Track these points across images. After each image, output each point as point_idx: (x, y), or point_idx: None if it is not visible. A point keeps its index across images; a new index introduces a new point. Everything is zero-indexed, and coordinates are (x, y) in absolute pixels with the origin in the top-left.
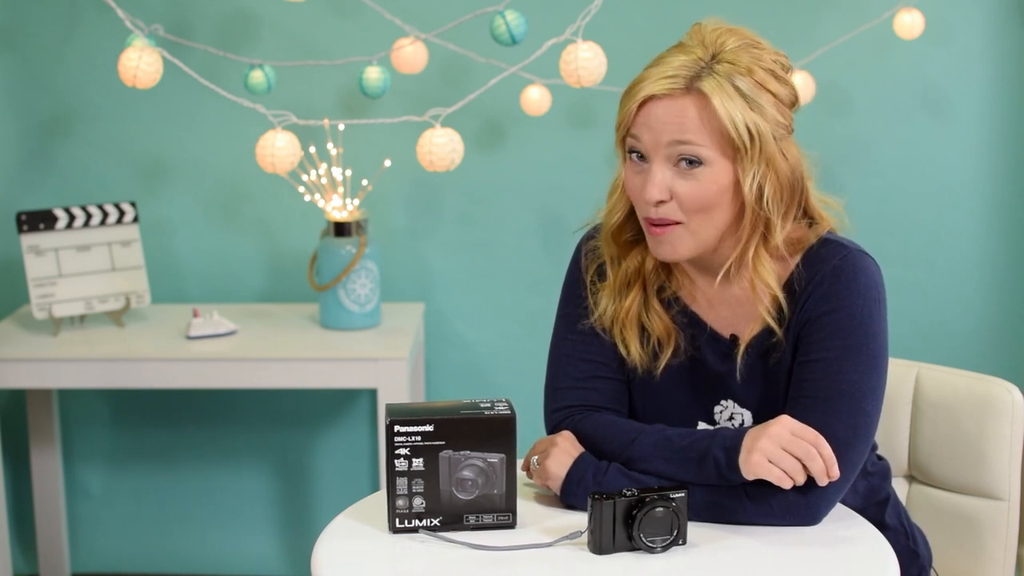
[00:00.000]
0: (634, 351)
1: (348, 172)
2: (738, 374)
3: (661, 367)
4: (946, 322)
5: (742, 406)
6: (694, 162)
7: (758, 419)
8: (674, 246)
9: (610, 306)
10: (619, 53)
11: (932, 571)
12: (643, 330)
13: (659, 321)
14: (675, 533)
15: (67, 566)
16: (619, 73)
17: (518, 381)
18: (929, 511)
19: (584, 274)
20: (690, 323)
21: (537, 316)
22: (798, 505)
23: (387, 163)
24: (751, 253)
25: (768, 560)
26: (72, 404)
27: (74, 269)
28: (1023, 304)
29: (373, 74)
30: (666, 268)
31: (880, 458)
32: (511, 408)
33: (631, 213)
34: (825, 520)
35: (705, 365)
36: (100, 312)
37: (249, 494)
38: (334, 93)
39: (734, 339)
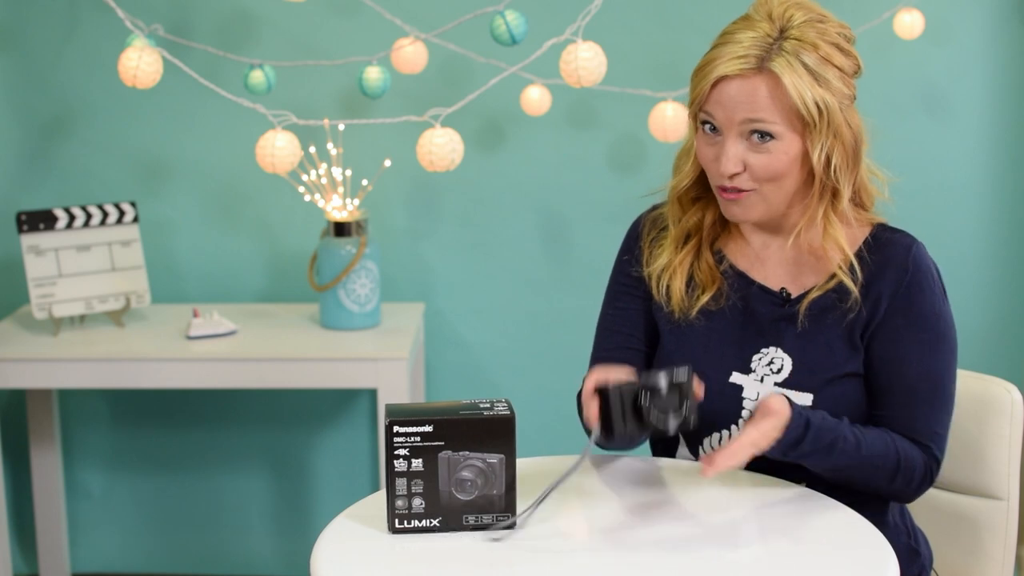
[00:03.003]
0: (676, 293)
1: (348, 172)
2: (799, 324)
3: (696, 309)
4: None
5: (786, 352)
6: (765, 136)
7: (798, 366)
8: (746, 210)
9: (665, 256)
10: (619, 53)
11: (932, 572)
12: (690, 280)
13: (707, 269)
14: (683, 407)
15: (67, 566)
16: (619, 73)
17: (518, 381)
18: (929, 511)
19: (642, 241)
20: (735, 278)
21: (537, 316)
22: (908, 493)
23: (387, 163)
24: (820, 216)
25: (768, 560)
26: (72, 404)
27: (74, 269)
28: (1023, 304)
29: (373, 74)
30: (722, 224)
31: None
32: (510, 408)
33: (699, 177)
34: (825, 520)
35: (754, 316)
36: (100, 312)
37: (249, 494)
38: (334, 93)
39: (784, 292)
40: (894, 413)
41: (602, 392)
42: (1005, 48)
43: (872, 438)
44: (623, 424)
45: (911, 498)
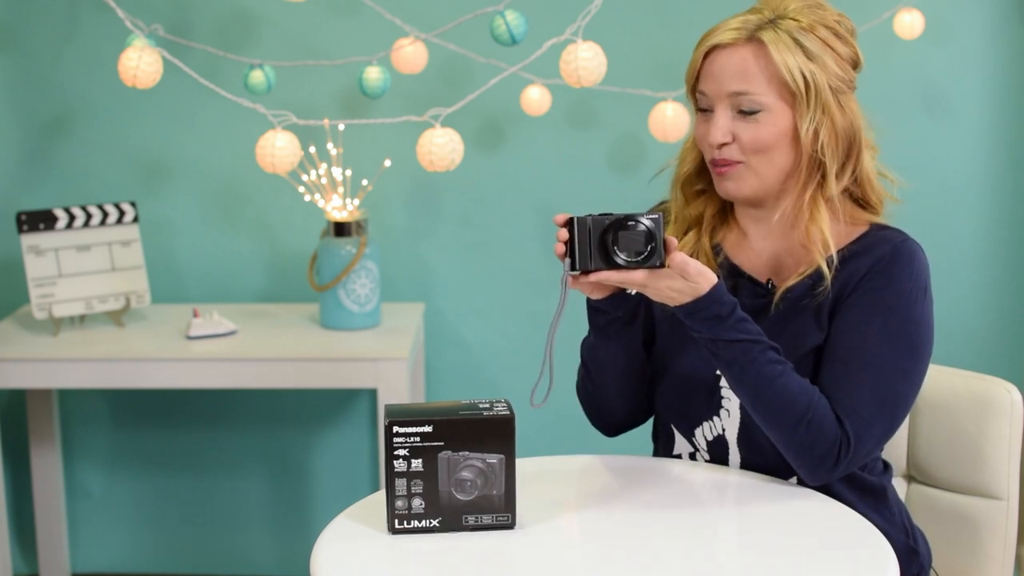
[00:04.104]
0: None
1: (348, 172)
2: (772, 310)
3: None
4: (946, 322)
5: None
6: (751, 107)
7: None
8: (737, 183)
9: None
10: (619, 53)
11: (932, 571)
12: None
13: (705, 260)
14: (650, 249)
15: (67, 566)
16: (619, 73)
17: (518, 381)
18: (928, 511)
19: None
20: (729, 272)
21: (537, 316)
22: (810, 458)
23: (387, 163)
24: (807, 197)
25: (767, 560)
26: (72, 404)
27: (74, 269)
28: (1023, 304)
29: (373, 74)
30: (722, 218)
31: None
32: (510, 409)
33: (702, 167)
34: (825, 520)
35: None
36: (100, 312)
37: (249, 494)
38: (334, 93)
39: (770, 282)
40: (823, 381)
41: (570, 222)
42: (1005, 48)
43: (795, 376)
44: (588, 258)
45: (815, 471)
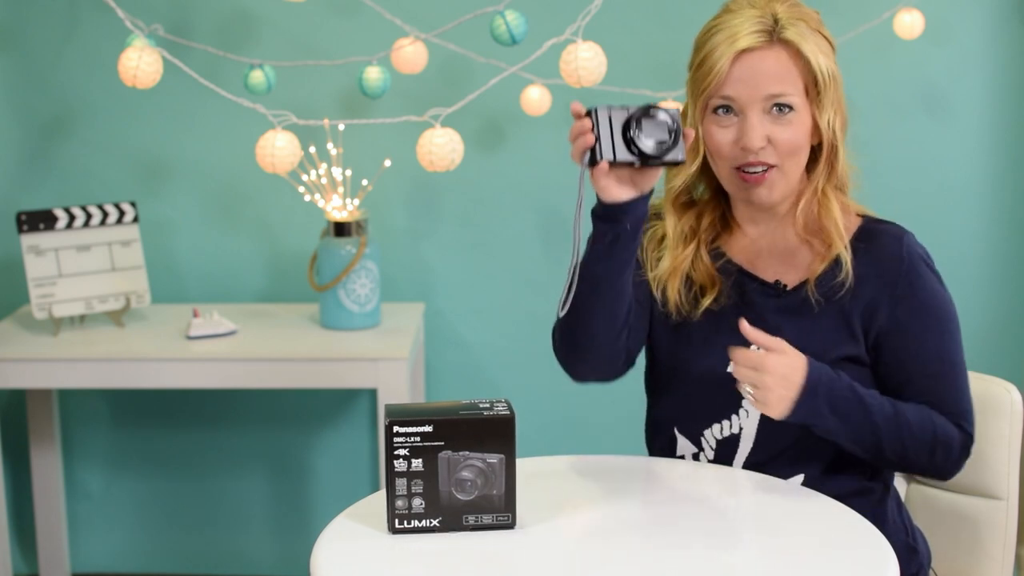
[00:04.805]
0: (671, 297)
1: (348, 172)
2: (798, 312)
3: (701, 310)
4: None
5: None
6: (785, 108)
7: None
8: (770, 189)
9: (667, 261)
10: (619, 53)
11: (931, 571)
12: (687, 279)
13: (704, 269)
14: (673, 137)
15: (67, 566)
16: (619, 73)
17: (518, 381)
18: (928, 511)
19: (646, 242)
20: (736, 274)
21: (537, 316)
22: (944, 469)
23: (387, 163)
24: (820, 186)
25: (767, 560)
26: (72, 404)
27: (74, 269)
28: (1023, 304)
29: (373, 74)
30: (724, 223)
31: None
32: (510, 409)
33: (693, 179)
34: (825, 520)
35: (752, 308)
36: (100, 312)
37: (249, 494)
38: (334, 93)
39: (778, 282)
40: (920, 401)
41: (590, 113)
42: (1005, 48)
43: (907, 406)
44: (611, 145)
45: (951, 474)
